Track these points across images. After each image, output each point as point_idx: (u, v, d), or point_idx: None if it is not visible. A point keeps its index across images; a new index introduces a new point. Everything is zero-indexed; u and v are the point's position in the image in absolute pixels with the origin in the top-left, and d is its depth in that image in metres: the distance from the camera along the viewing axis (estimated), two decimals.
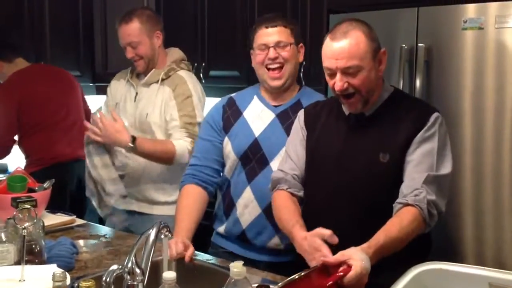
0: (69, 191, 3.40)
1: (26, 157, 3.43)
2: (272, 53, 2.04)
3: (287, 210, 1.80)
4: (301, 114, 1.95)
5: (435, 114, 1.71)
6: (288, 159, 1.91)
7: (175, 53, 2.75)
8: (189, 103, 2.50)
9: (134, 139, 2.42)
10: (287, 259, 2.00)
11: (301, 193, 1.87)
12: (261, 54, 2.06)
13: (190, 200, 2.11)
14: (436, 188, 1.63)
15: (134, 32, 2.58)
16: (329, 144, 1.81)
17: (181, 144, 2.47)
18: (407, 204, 1.60)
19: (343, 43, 1.64)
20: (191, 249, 1.90)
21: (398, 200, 1.63)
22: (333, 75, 1.69)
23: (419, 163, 1.64)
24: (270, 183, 1.95)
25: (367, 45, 1.65)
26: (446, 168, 1.68)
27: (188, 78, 2.63)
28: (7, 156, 3.44)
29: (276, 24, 2.06)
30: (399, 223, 1.57)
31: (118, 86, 2.76)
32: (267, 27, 2.07)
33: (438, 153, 1.66)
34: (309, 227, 1.69)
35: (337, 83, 1.67)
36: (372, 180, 1.70)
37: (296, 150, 1.90)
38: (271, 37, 2.05)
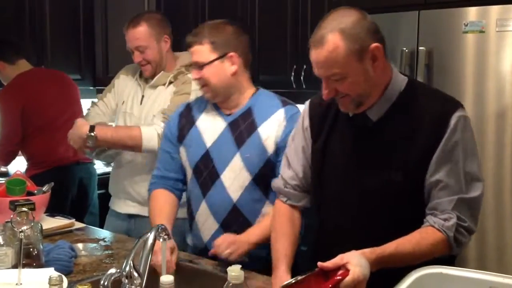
0: (71, 194, 3.42)
1: (28, 160, 3.44)
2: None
3: (284, 238, 1.71)
4: (305, 114, 1.75)
5: (456, 115, 1.49)
6: (289, 167, 1.77)
7: (187, 58, 2.68)
8: (183, 99, 2.42)
9: (92, 128, 2.39)
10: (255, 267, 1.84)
11: (302, 203, 1.78)
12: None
13: (161, 202, 2.05)
14: (468, 211, 1.49)
15: (142, 36, 2.55)
16: (336, 156, 1.67)
17: (149, 129, 2.39)
18: (433, 226, 1.49)
19: (319, 51, 1.49)
20: (175, 253, 1.83)
21: (427, 217, 1.51)
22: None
23: (445, 186, 1.48)
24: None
25: (346, 49, 1.46)
26: (478, 187, 1.50)
27: (195, 81, 2.56)
28: (11, 163, 3.45)
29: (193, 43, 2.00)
30: (418, 241, 1.47)
31: (127, 82, 2.71)
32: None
33: (465, 168, 1.49)
34: (321, 243, 1.67)
35: (323, 91, 1.55)
36: (383, 199, 1.57)
37: (298, 156, 1.75)
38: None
